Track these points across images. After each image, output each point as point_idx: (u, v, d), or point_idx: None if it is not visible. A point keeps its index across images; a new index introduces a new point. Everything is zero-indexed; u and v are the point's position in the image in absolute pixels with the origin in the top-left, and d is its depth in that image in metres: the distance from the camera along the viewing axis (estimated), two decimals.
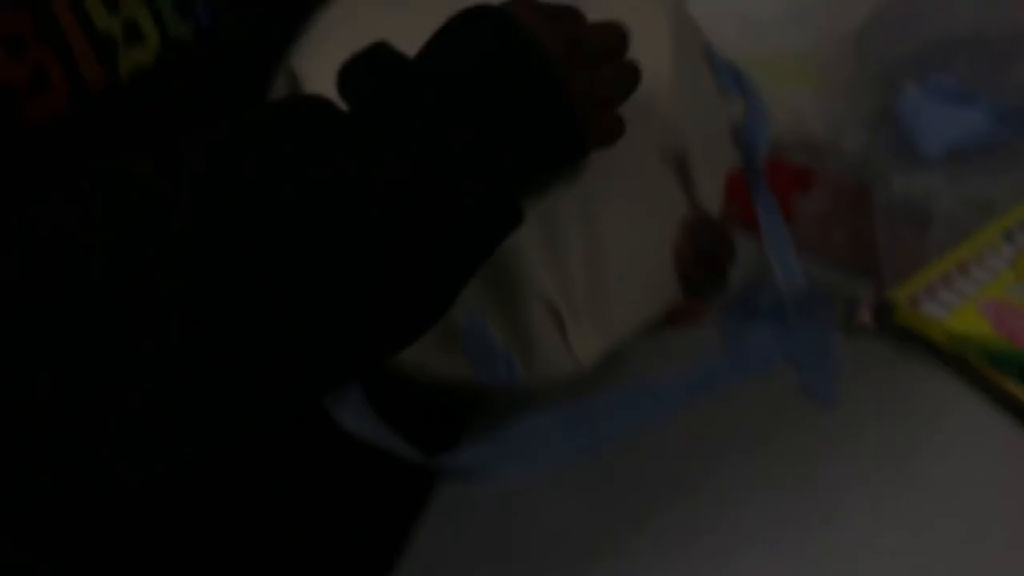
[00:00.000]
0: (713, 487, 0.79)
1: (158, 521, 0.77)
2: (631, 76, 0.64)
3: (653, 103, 0.67)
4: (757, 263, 0.93)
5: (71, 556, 0.78)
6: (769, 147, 0.77)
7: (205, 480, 0.73)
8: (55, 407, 0.53)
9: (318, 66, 0.70)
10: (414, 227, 0.57)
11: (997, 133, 0.97)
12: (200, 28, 0.70)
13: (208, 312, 0.54)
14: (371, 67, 0.59)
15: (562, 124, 0.60)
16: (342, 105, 0.59)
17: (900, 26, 1.09)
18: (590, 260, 0.67)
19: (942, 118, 0.98)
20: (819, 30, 1.20)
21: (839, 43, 1.16)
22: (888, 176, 0.95)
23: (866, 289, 0.88)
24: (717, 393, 0.82)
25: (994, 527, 0.74)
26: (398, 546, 0.80)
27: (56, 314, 0.53)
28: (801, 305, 0.85)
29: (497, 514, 0.79)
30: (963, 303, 0.84)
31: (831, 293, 0.88)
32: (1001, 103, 0.98)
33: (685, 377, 0.83)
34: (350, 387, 0.69)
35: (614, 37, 0.64)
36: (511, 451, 0.75)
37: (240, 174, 0.56)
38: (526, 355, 0.68)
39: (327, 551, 0.84)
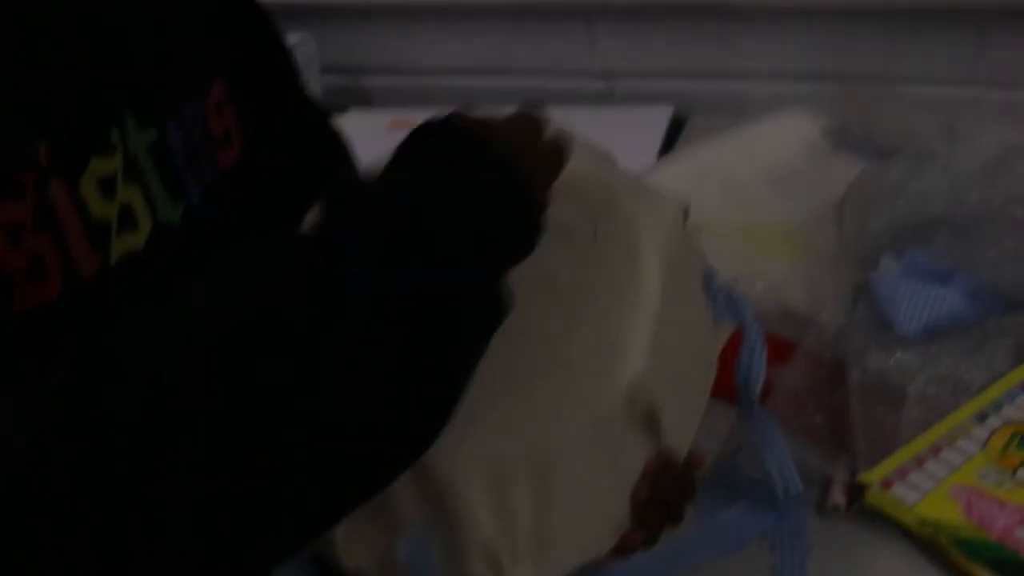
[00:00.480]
0: None
1: None
2: (555, 157, 0.68)
3: (621, 368, 0.69)
4: (732, 438, 0.94)
5: None
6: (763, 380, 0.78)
7: None
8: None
9: None
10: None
11: (972, 312, 0.99)
12: (190, 209, 0.71)
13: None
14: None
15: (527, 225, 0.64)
16: None
17: (878, 200, 1.12)
18: (538, 513, 0.68)
19: (919, 296, 1.00)
20: (802, 199, 1.24)
21: (821, 212, 1.19)
22: (864, 353, 0.97)
23: (840, 468, 0.90)
24: (691, 569, 0.83)
25: None
26: None
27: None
28: (776, 486, 0.86)
29: None
30: (935, 487, 0.85)
31: (805, 473, 0.89)
32: (976, 282, 1.00)
33: (658, 553, 0.84)
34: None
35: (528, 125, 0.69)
36: None
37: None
38: None
39: None
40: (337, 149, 0.99)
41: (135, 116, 0.67)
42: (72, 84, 0.64)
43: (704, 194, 0.82)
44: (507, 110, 0.70)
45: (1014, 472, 0.85)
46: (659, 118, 1.49)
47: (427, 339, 0.59)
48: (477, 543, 0.67)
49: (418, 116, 0.78)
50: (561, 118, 0.72)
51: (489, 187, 0.64)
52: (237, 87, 0.80)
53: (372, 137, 0.96)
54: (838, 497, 0.87)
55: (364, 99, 1.67)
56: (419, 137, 0.66)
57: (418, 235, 0.60)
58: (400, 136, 0.73)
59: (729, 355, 0.81)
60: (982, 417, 0.91)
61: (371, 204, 0.62)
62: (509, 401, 0.68)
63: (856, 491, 0.87)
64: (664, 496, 0.72)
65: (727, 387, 0.86)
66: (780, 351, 1.01)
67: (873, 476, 0.87)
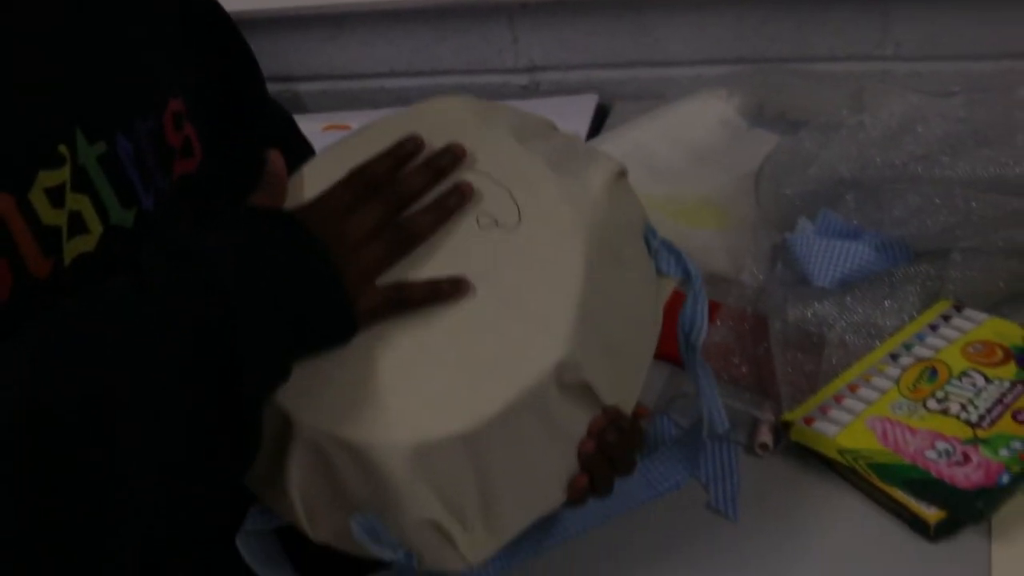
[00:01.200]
0: None
1: None
2: (406, 238, 0.75)
3: (546, 353, 0.71)
4: (665, 392, 1.01)
5: None
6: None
7: None
8: None
9: None
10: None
11: (881, 263, 1.06)
12: (141, 213, 0.75)
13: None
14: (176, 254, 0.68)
15: (334, 313, 0.71)
16: None
17: (792, 169, 1.19)
18: (480, 484, 0.72)
19: (832, 251, 1.07)
20: (720, 172, 1.30)
21: (738, 183, 1.26)
22: (784, 306, 1.03)
23: (766, 412, 0.96)
24: (630, 511, 0.89)
25: None
26: None
27: None
28: (709, 432, 0.91)
29: None
30: (853, 420, 0.91)
31: (735, 417, 0.96)
32: (884, 236, 1.07)
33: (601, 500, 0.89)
34: (268, 541, 0.78)
35: (419, 178, 0.76)
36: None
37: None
38: (419, 555, 0.73)
39: None
40: (300, 148, 1.04)
41: (83, 131, 0.72)
42: (18, 102, 0.68)
43: (633, 173, 0.86)
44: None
45: (924, 402, 0.92)
46: (585, 107, 1.55)
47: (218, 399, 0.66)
48: (423, 520, 0.71)
49: (351, 119, 0.85)
50: None
51: (306, 287, 0.70)
52: (200, 100, 0.85)
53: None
54: (765, 436, 0.94)
55: (298, 105, 1.72)
56: (255, 218, 0.72)
57: (228, 314, 0.66)
58: (334, 138, 0.82)
59: (667, 316, 0.84)
60: (895, 357, 0.97)
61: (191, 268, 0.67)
62: (438, 384, 0.72)
63: (781, 429, 0.94)
64: (611, 449, 0.76)
65: (663, 347, 0.91)
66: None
67: (796, 414, 0.93)
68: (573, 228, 0.75)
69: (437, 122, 0.80)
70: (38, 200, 0.68)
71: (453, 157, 0.77)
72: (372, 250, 0.74)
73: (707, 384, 0.83)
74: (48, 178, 0.68)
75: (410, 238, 0.75)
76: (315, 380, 0.72)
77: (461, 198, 0.76)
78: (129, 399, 0.63)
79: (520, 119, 0.83)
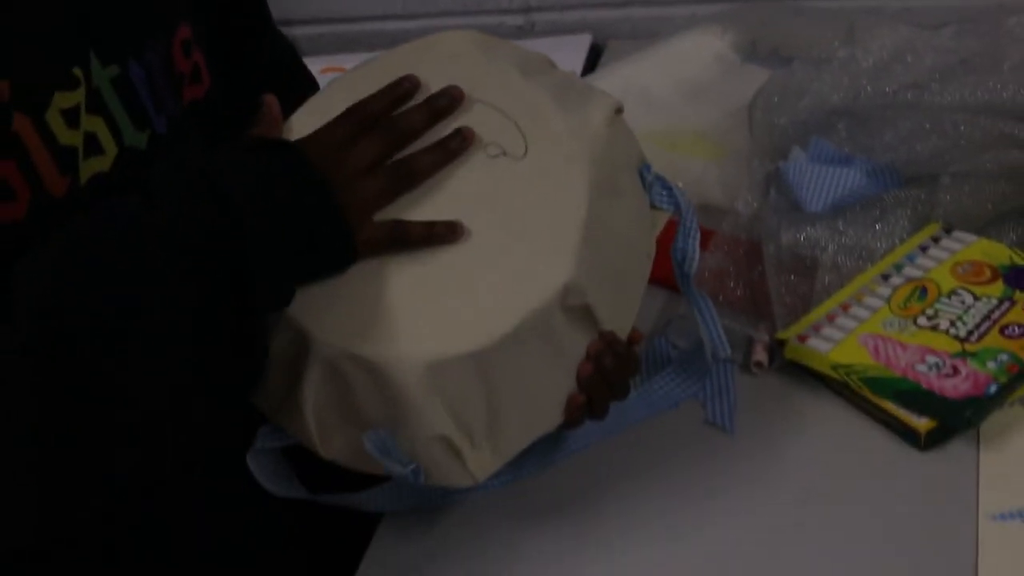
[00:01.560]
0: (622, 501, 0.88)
1: None
2: (406, 175, 0.77)
3: (554, 277, 0.75)
4: (662, 315, 1.03)
5: None
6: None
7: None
8: None
9: None
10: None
11: (872, 188, 1.08)
12: (155, 136, 0.78)
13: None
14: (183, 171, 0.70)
15: (336, 239, 0.73)
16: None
17: (785, 100, 1.21)
18: (488, 403, 0.75)
19: (824, 177, 1.09)
20: (714, 106, 1.32)
21: (732, 117, 1.28)
22: (778, 231, 1.06)
23: (761, 332, 0.98)
24: (627, 429, 0.92)
25: (878, 521, 0.83)
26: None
27: None
28: (713, 357, 0.94)
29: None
30: (845, 337, 0.94)
31: (731, 337, 0.98)
32: (874, 162, 1.09)
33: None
34: (267, 462, 0.82)
35: (419, 116, 0.78)
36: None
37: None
38: (427, 470, 0.76)
39: None
40: (304, 79, 1.07)
41: (97, 54, 0.74)
42: (33, 26, 0.71)
43: (627, 106, 0.88)
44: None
45: (915, 319, 0.94)
46: (579, 46, 1.57)
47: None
48: (434, 436, 0.75)
49: (348, 62, 0.88)
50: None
51: (307, 211, 0.72)
52: (207, 27, 0.87)
53: None
54: (760, 355, 0.96)
55: (296, 49, 1.73)
56: (257, 147, 0.74)
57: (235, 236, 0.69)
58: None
59: (663, 244, 0.88)
60: (886, 277, 1.00)
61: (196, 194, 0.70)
62: (451, 304, 0.75)
63: (776, 348, 0.96)
64: (607, 373, 0.79)
65: (657, 274, 0.94)
66: (702, 239, 1.09)
67: (790, 333, 0.96)
68: (577, 159, 0.78)
69: (442, 56, 0.83)
70: (54, 120, 0.70)
71: (451, 99, 0.79)
72: (371, 184, 0.76)
73: (707, 311, 0.86)
74: (63, 99, 0.70)
75: (411, 175, 0.77)
76: (331, 300, 0.74)
77: (463, 141, 0.78)
78: (140, 310, 0.66)
79: (522, 54, 0.85)
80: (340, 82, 0.85)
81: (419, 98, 0.80)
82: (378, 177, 0.76)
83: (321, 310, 0.74)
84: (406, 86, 0.80)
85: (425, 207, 0.77)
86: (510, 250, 0.76)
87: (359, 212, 0.75)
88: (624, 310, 0.81)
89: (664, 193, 0.84)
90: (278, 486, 0.83)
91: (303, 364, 0.75)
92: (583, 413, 0.80)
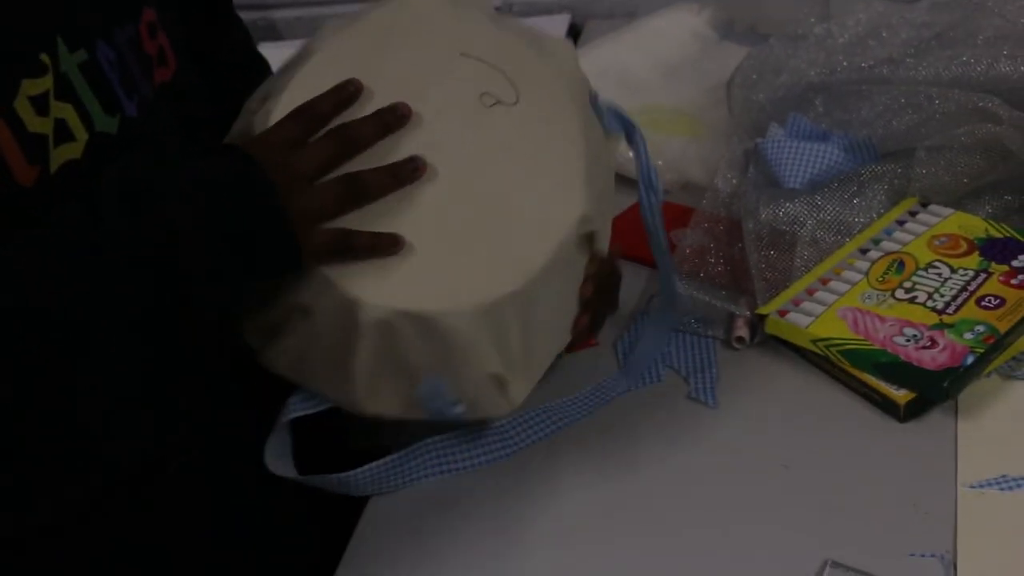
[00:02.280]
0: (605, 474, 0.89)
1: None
2: (358, 191, 0.78)
3: (572, 210, 0.81)
4: (643, 293, 1.04)
5: None
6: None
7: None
8: None
9: None
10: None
11: (849, 164, 1.09)
12: (127, 120, 0.78)
13: None
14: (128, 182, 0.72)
15: (279, 241, 0.74)
16: None
17: (762, 76, 1.22)
18: (525, 336, 0.81)
19: (802, 153, 1.10)
20: (692, 84, 1.33)
21: (710, 94, 1.29)
22: (757, 208, 1.07)
23: (742, 307, 1.00)
24: (612, 403, 0.93)
25: (859, 492, 0.84)
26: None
27: None
28: (685, 325, 0.97)
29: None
30: (825, 311, 0.95)
31: (712, 313, 1.00)
32: (851, 138, 1.10)
33: (589, 390, 0.94)
34: (281, 440, 0.84)
35: (366, 128, 0.79)
36: (427, 461, 0.88)
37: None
38: (472, 404, 0.81)
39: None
40: (259, 66, 1.07)
41: (64, 39, 0.74)
42: None
43: (602, 88, 0.90)
44: None
45: (892, 292, 0.96)
46: (558, 26, 1.57)
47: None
48: (484, 375, 0.80)
49: None
50: None
51: (248, 213, 0.73)
52: (169, 11, 0.87)
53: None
54: (742, 330, 0.98)
55: (273, 33, 1.73)
56: (202, 153, 0.76)
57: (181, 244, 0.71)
58: None
59: (624, 226, 0.92)
60: (864, 251, 1.01)
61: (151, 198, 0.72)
62: (484, 250, 0.80)
63: (757, 323, 0.97)
64: (603, 290, 0.86)
65: (630, 251, 0.96)
66: (682, 216, 1.11)
67: (770, 307, 0.97)
68: (565, 98, 0.84)
69: (416, 15, 0.85)
70: (23, 109, 0.70)
71: (400, 116, 0.80)
72: (321, 192, 0.77)
73: (664, 257, 0.92)
74: (32, 86, 0.71)
75: (364, 193, 0.78)
76: (371, 267, 0.78)
77: (414, 172, 0.79)
78: (84, 320, 0.69)
79: (486, 5, 0.91)
80: (325, 53, 0.85)
81: (377, 89, 0.81)
82: (328, 188, 0.77)
83: (364, 273, 0.77)
84: (351, 89, 0.80)
85: (442, 157, 0.80)
86: (526, 191, 0.82)
87: (303, 216, 0.75)
88: (607, 227, 0.87)
89: (611, 116, 0.89)
90: (282, 466, 0.84)
91: (352, 329, 0.77)
92: (587, 332, 0.88)
